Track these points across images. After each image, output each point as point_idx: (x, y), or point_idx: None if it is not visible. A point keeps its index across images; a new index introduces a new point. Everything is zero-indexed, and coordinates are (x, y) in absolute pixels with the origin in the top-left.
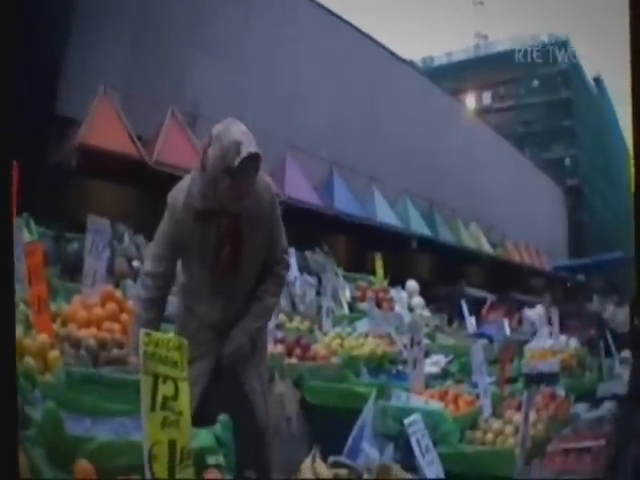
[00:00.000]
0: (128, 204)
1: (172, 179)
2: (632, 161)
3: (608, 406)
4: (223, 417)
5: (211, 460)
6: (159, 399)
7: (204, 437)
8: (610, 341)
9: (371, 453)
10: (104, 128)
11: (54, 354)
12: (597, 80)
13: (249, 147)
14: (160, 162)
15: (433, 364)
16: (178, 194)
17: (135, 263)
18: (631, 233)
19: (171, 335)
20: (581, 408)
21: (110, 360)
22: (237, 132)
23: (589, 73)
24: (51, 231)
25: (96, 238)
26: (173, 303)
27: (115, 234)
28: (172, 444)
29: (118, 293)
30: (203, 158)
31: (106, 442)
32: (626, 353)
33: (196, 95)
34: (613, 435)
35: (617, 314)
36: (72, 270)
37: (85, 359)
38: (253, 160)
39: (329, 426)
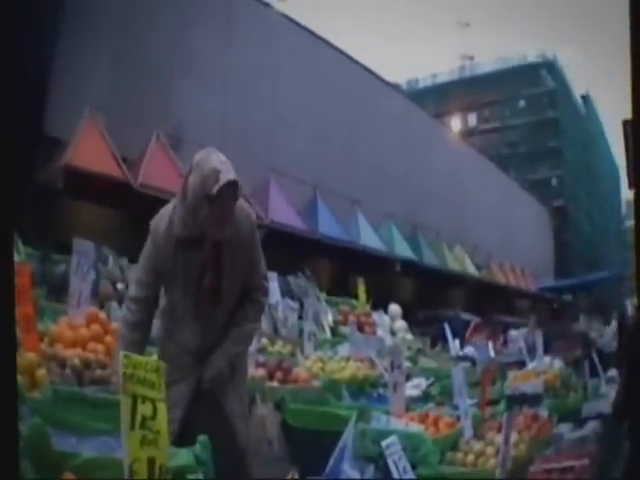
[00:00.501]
0: (113, 226)
1: (157, 202)
2: (632, 162)
3: (592, 425)
4: (202, 438)
5: (191, 477)
6: (138, 418)
7: (184, 456)
8: (596, 360)
9: (351, 474)
10: (89, 150)
11: (41, 372)
12: (585, 98)
13: (227, 175)
14: (145, 185)
15: (414, 387)
16: (160, 221)
17: (119, 285)
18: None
19: (149, 357)
20: (564, 428)
21: (94, 380)
22: (216, 161)
23: (577, 91)
24: (38, 252)
25: (81, 260)
26: (156, 325)
27: (100, 256)
28: (151, 461)
29: (102, 315)
30: (184, 186)
31: (90, 458)
32: (612, 372)
33: (180, 118)
34: (597, 454)
35: (604, 333)
36: (58, 291)
37: (70, 378)
38: (232, 187)
39: (309, 448)
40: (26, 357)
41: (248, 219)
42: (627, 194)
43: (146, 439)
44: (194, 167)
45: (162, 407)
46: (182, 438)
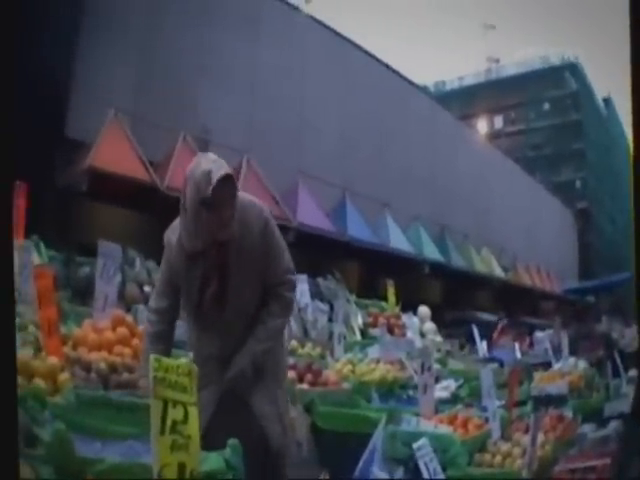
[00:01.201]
0: (139, 229)
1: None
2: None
3: (614, 425)
4: (232, 441)
5: None
6: (169, 423)
7: (214, 460)
8: (618, 361)
9: (381, 476)
10: (114, 151)
11: (64, 376)
12: (607, 101)
13: (219, 172)
14: (172, 187)
15: (443, 389)
16: (172, 234)
17: (146, 288)
18: (631, 252)
19: (181, 361)
20: (588, 428)
21: (121, 384)
22: (205, 163)
23: (599, 94)
24: (60, 254)
25: (107, 262)
26: (182, 326)
27: (126, 259)
28: (182, 467)
29: (129, 318)
30: (183, 200)
31: (115, 464)
32: (633, 372)
33: (207, 121)
34: (617, 452)
35: (625, 334)
36: (83, 294)
37: (95, 382)
38: (227, 183)
39: (339, 451)
40: (48, 361)
41: (258, 213)
42: None
43: (176, 444)
44: (187, 178)
45: (194, 411)
46: (208, 443)
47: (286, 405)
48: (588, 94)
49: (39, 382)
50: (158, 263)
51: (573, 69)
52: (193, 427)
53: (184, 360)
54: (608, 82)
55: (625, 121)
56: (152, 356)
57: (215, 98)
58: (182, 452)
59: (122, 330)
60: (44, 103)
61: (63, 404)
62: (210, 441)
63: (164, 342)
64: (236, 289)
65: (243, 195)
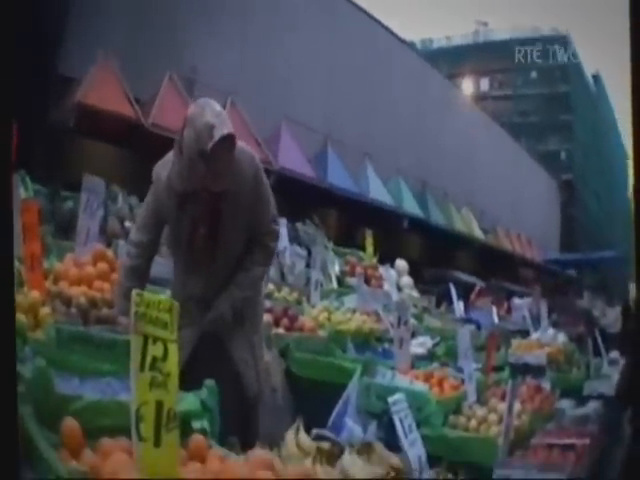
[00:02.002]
0: (123, 165)
1: (168, 142)
2: (632, 162)
3: (594, 405)
4: (209, 382)
5: (196, 425)
6: (148, 359)
7: (190, 401)
8: (599, 340)
9: (354, 429)
10: (103, 89)
11: (45, 311)
12: (596, 78)
13: (222, 129)
14: (156, 124)
15: (419, 345)
16: (162, 169)
17: (127, 224)
18: (631, 237)
19: (162, 297)
20: (566, 404)
21: (100, 319)
22: (210, 114)
23: (588, 70)
24: (46, 189)
25: (91, 197)
26: (162, 264)
27: (109, 194)
28: (159, 405)
29: (109, 253)
30: (180, 140)
31: (93, 402)
32: (615, 354)
33: (195, 61)
34: (598, 437)
35: (607, 313)
36: (66, 228)
37: (75, 317)
38: (227, 141)
39: (313, 399)
40: (30, 295)
41: (251, 163)
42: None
43: (155, 381)
44: (188, 121)
45: (173, 348)
46: (188, 383)
47: (262, 352)
48: (577, 69)
49: (21, 317)
50: (140, 199)
51: (563, 42)
52: (172, 364)
53: (166, 296)
54: (597, 60)
55: (614, 100)
56: (134, 291)
57: (205, 40)
58: (160, 390)
59: (102, 265)
60: (36, 40)
61: (44, 340)
62: (187, 381)
63: (140, 277)
64: (225, 235)
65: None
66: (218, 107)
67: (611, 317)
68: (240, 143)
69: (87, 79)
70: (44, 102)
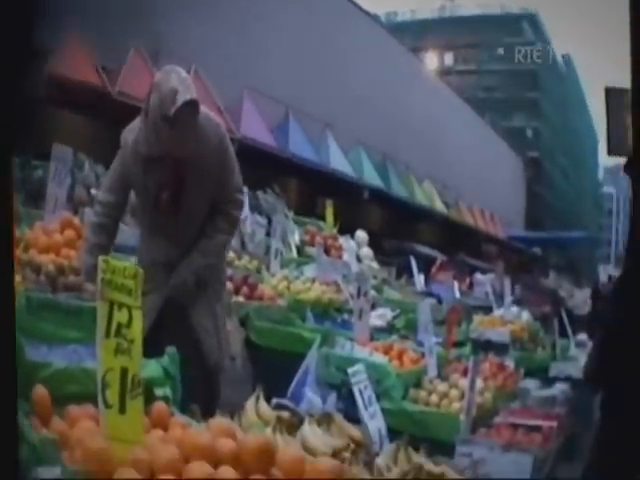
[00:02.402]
0: (90, 133)
1: (133, 110)
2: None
3: (561, 387)
4: (171, 349)
5: (158, 392)
6: (114, 326)
7: (152, 368)
8: (566, 321)
9: (314, 400)
10: (72, 59)
11: (16, 279)
12: (566, 58)
13: (185, 95)
14: (123, 93)
15: (379, 317)
16: (129, 134)
17: (93, 191)
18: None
19: (127, 263)
20: (531, 384)
21: (67, 286)
22: (175, 80)
23: (558, 50)
24: (18, 159)
25: (59, 166)
26: (127, 232)
27: (76, 163)
28: (124, 371)
29: (76, 220)
30: (146, 105)
31: (61, 369)
32: (583, 336)
33: (161, 31)
34: (566, 420)
35: (575, 295)
36: (36, 197)
37: (44, 285)
38: (190, 107)
39: (273, 368)
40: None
41: (216, 131)
42: (605, 160)
43: (120, 347)
44: (154, 86)
45: (138, 315)
46: (150, 349)
47: (224, 320)
48: (546, 47)
49: None
50: (106, 167)
51: (532, 20)
52: (136, 331)
53: (131, 262)
54: (569, 42)
55: (585, 81)
56: (100, 258)
57: (171, 10)
58: (125, 356)
59: (69, 232)
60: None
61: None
62: (150, 348)
63: (106, 235)
64: (188, 201)
65: (201, 109)
66: (184, 74)
67: (579, 299)
68: (205, 110)
69: (57, 50)
70: (13, 72)
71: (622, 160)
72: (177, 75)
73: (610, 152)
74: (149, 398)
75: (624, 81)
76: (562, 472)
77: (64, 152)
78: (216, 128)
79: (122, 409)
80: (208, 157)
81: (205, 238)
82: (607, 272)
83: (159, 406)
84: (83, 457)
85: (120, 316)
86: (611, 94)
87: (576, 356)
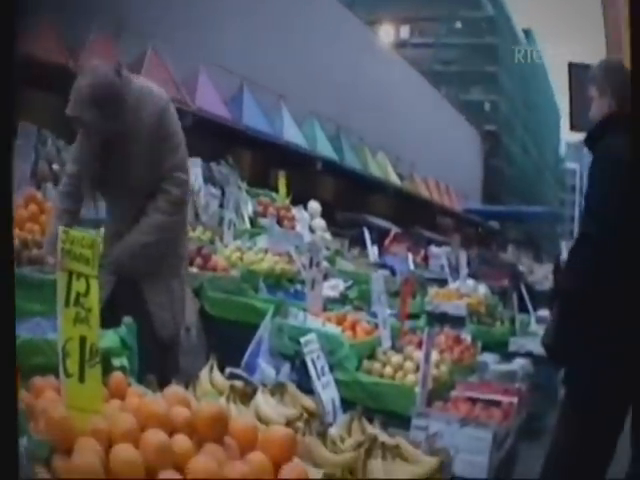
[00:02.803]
0: (54, 110)
1: None
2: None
3: (521, 362)
4: (127, 320)
5: (116, 362)
6: (73, 295)
7: (110, 338)
8: (525, 295)
9: (267, 370)
10: (37, 38)
11: None
12: (527, 32)
13: (71, 109)
14: None
15: (331, 288)
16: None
17: (55, 166)
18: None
19: (85, 233)
20: (490, 358)
21: (31, 259)
22: (75, 89)
23: (520, 24)
24: None
25: (24, 142)
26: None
27: (39, 138)
28: (83, 340)
29: (39, 195)
30: None
31: (26, 340)
32: (544, 312)
33: (121, 10)
34: (527, 396)
35: (535, 270)
36: None
37: None
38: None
39: (227, 338)
40: None
41: (154, 108)
42: (567, 136)
43: (79, 316)
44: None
45: (94, 284)
46: (107, 320)
47: (182, 294)
48: (506, 21)
49: None
50: (68, 142)
51: None
52: (93, 300)
53: (88, 233)
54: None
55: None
56: (60, 228)
57: None
58: (84, 325)
59: (33, 207)
60: None
61: None
62: (108, 319)
63: (72, 201)
64: (129, 175)
65: (142, 83)
66: (89, 80)
67: (539, 274)
68: (148, 84)
69: (26, 31)
70: None
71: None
72: (80, 82)
73: (572, 127)
74: (107, 368)
75: (587, 56)
76: (525, 450)
77: (29, 130)
78: (156, 102)
79: (82, 378)
80: (141, 133)
81: (143, 216)
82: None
83: (117, 376)
84: (46, 426)
85: (78, 285)
86: (574, 69)
87: (537, 332)
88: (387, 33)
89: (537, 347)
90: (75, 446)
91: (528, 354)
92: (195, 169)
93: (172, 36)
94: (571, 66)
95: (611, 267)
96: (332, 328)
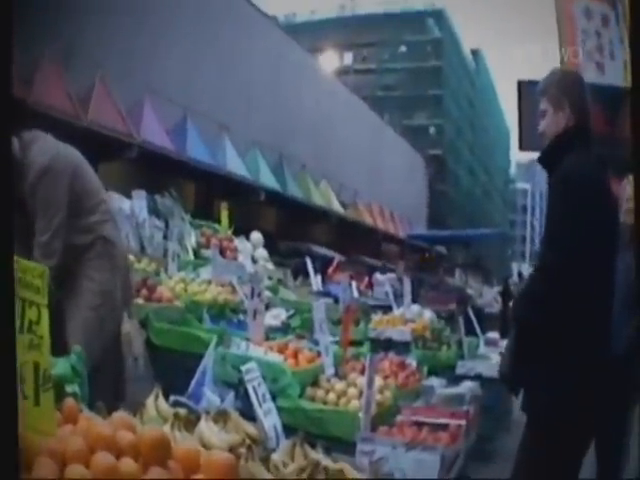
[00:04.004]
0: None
1: (47, 118)
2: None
3: (469, 385)
4: (77, 348)
5: (68, 389)
6: (26, 322)
7: (62, 366)
8: (473, 318)
9: (212, 399)
10: None
11: None
12: (475, 53)
13: None
14: (35, 102)
15: (273, 317)
16: None
17: None
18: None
19: (34, 263)
20: (436, 382)
21: None
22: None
23: (467, 45)
24: None
25: None
26: None
27: None
28: (36, 366)
29: None
30: None
31: None
32: (493, 334)
33: (70, 40)
34: (476, 418)
35: (484, 293)
36: None
37: None
38: None
39: (172, 367)
40: None
41: (36, 171)
42: (517, 156)
43: (32, 343)
44: None
45: (45, 312)
46: (57, 349)
47: (103, 326)
48: (453, 43)
49: None
50: None
51: (438, 16)
52: (44, 328)
53: (37, 263)
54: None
55: (495, 74)
56: (15, 258)
57: (79, 14)
58: (36, 351)
59: None
60: None
61: None
62: (56, 347)
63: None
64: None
65: (43, 145)
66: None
67: (488, 296)
68: (42, 146)
69: None
70: None
71: (537, 155)
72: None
73: (522, 147)
74: (60, 394)
75: (537, 75)
76: (475, 472)
77: None
78: (38, 166)
79: (37, 401)
80: (25, 191)
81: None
82: (521, 269)
83: (69, 402)
84: None
85: (31, 313)
86: (523, 87)
87: (486, 354)
88: (330, 59)
89: (486, 369)
90: (34, 465)
91: (477, 377)
92: (140, 202)
93: (118, 65)
94: (520, 84)
95: (574, 298)
96: (274, 357)
